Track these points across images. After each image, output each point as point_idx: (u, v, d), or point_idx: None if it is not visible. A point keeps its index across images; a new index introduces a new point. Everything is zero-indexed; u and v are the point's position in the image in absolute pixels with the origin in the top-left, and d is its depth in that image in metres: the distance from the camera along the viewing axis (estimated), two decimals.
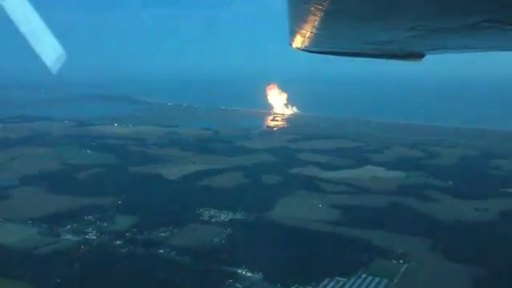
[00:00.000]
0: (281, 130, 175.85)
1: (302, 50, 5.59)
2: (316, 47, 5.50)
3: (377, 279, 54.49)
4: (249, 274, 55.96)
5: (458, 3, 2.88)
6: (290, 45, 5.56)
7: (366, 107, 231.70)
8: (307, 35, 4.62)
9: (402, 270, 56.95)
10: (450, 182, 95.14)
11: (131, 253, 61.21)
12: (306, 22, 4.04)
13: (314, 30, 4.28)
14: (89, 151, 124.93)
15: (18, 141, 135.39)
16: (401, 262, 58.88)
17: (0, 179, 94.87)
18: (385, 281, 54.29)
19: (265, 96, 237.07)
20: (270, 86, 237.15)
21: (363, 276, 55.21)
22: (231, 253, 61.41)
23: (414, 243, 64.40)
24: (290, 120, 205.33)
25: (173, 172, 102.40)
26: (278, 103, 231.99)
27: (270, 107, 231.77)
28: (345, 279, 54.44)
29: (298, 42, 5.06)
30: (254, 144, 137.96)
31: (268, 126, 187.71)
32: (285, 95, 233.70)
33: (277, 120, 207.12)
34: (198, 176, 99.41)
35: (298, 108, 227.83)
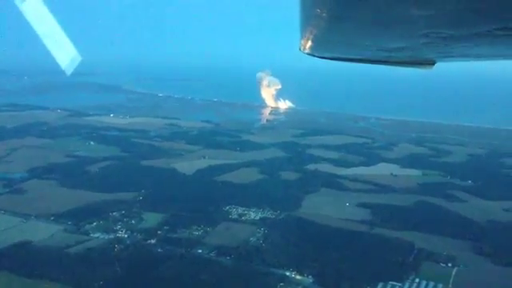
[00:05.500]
0: (282, 124, 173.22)
1: (313, 55, 5.61)
2: (327, 53, 5.56)
3: (431, 283, 53.08)
4: (298, 277, 53.94)
5: (471, 11, 2.85)
6: (301, 50, 5.48)
7: (361, 103, 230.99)
8: (318, 41, 4.67)
9: (453, 273, 55.64)
10: (470, 182, 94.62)
11: (170, 253, 58.42)
12: (317, 27, 4.07)
13: (326, 36, 4.37)
14: (92, 143, 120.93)
15: (14, 130, 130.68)
16: (449, 265, 57.58)
17: (7, 171, 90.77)
18: (440, 286, 52.91)
19: (258, 89, 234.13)
20: (264, 80, 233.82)
21: (417, 280, 53.71)
22: (273, 254, 59.25)
23: (455, 245, 63.33)
24: (287, 114, 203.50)
25: (186, 166, 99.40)
26: (272, 97, 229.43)
27: (264, 101, 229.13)
28: (399, 284, 52.82)
29: (309, 47, 5.02)
30: (259, 138, 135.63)
31: (268, 120, 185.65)
32: (279, 89, 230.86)
33: (274, 114, 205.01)
34: (213, 171, 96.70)
35: (292, 102, 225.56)
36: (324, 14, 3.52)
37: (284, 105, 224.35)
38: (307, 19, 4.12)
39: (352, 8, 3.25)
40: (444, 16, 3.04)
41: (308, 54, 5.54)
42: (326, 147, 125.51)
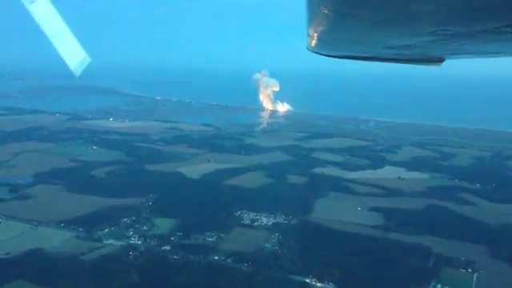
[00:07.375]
0: (283, 127, 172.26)
1: (320, 54, 5.57)
2: (334, 51, 5.50)
3: None
4: (319, 285, 53.05)
5: (478, 8, 2.85)
6: (308, 48, 5.38)
7: (360, 105, 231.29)
8: (325, 39, 4.64)
9: (474, 279, 55.08)
10: (478, 185, 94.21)
11: (186, 260, 57.25)
12: (324, 26, 4.04)
13: (333, 35, 4.35)
14: (95, 147, 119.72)
15: (15, 135, 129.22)
16: (469, 270, 56.98)
17: (12, 177, 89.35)
18: None
19: (255, 92, 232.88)
20: (261, 81, 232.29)
21: (439, 287, 52.99)
22: (290, 260, 58.28)
23: (472, 249, 62.70)
24: (287, 117, 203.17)
25: (192, 171, 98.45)
26: (271, 99, 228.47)
27: (262, 103, 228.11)
28: None
29: (317, 46, 4.98)
30: (263, 142, 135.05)
31: (268, 123, 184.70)
32: (277, 91, 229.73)
33: (274, 117, 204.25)
34: (220, 175, 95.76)
35: (290, 104, 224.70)
36: (331, 13, 3.51)
37: (282, 107, 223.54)
38: (314, 18, 4.10)
39: (359, 6, 3.21)
40: (451, 13, 3.02)
41: (315, 52, 5.51)
42: (330, 150, 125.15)
